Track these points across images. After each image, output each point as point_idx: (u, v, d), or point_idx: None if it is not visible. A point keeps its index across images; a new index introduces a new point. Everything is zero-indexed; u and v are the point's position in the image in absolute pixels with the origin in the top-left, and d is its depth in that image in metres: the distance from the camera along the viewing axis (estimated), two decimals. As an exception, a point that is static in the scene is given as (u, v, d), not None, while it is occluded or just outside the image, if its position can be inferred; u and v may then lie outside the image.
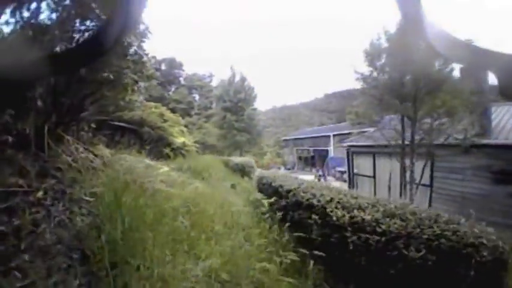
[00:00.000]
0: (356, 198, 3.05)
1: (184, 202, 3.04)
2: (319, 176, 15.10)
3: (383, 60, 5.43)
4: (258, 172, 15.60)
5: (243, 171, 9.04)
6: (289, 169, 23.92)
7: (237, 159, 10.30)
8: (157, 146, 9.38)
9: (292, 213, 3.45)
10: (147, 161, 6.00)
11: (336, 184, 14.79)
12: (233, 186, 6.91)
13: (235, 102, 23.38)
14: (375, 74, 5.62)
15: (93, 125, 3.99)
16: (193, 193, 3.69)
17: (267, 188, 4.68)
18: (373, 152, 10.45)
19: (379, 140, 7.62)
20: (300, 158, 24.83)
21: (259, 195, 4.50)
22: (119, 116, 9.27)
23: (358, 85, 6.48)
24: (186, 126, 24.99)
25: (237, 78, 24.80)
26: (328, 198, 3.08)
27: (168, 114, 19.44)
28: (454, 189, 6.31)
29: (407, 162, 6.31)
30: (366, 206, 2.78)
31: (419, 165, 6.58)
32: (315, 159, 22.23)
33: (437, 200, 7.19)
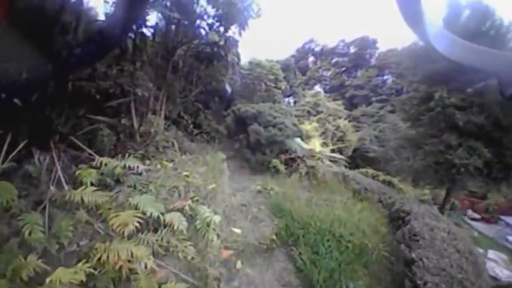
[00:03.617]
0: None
1: None
2: None
3: None
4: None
5: None
6: None
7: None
8: (264, 151, 6.64)
9: None
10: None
11: None
12: None
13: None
14: None
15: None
16: None
17: None
18: None
19: None
20: None
21: None
22: (236, 109, 7.73)
23: None
24: (354, 119, 18.92)
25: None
26: None
27: (326, 104, 15.76)
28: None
29: None
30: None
31: None
32: None
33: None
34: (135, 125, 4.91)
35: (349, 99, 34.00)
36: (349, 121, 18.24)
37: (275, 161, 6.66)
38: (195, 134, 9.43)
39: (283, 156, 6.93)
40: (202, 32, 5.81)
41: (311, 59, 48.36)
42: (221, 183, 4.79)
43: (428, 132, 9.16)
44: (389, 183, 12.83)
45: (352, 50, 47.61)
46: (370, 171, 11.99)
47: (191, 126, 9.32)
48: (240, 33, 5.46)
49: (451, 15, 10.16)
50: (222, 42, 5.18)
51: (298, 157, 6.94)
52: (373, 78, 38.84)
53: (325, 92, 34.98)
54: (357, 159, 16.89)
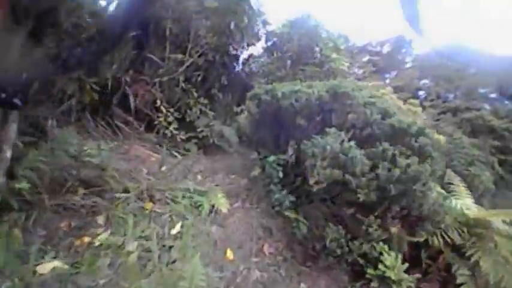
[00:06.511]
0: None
1: None
2: None
3: None
4: None
5: None
6: None
7: None
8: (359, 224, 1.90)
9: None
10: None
11: None
12: None
13: None
14: None
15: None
16: None
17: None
18: None
19: None
20: None
21: None
22: (263, 92, 3.04)
23: None
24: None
25: None
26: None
27: (397, 103, 10.35)
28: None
29: None
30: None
31: None
32: None
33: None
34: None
35: (387, 103, 28.61)
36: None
37: (390, 258, 1.89)
38: (182, 139, 4.81)
39: (405, 236, 2.23)
40: None
41: (337, 56, 43.97)
42: None
43: None
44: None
45: (386, 49, 42.99)
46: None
47: (173, 127, 4.68)
48: None
49: None
50: None
51: (451, 242, 2.13)
52: (414, 80, 33.35)
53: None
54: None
